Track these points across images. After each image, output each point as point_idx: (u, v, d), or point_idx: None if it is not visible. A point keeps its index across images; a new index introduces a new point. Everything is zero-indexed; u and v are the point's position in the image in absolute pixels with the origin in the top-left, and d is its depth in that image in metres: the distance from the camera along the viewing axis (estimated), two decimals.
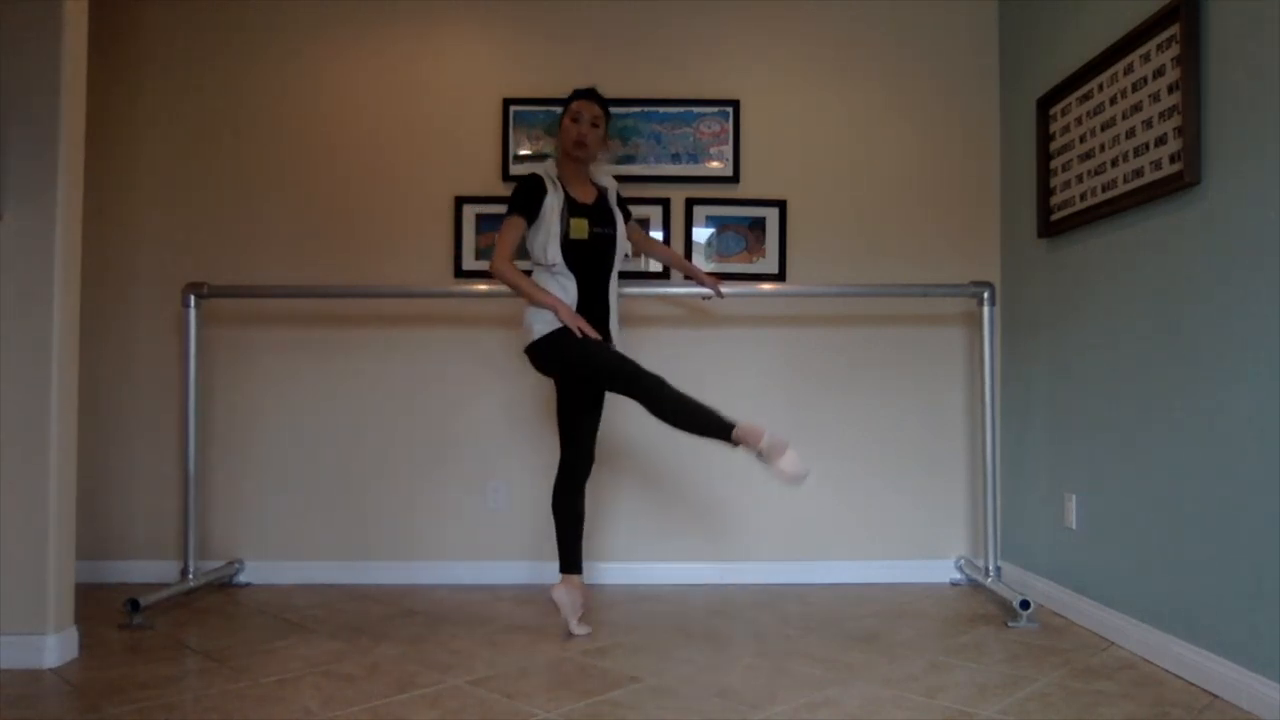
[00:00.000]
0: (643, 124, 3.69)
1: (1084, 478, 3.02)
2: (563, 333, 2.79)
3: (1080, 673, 2.52)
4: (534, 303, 2.81)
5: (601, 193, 3.00)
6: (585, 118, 2.90)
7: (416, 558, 3.64)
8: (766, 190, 3.72)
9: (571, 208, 2.87)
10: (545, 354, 2.84)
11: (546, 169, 2.92)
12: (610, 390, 2.81)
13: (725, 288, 3.24)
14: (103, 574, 3.58)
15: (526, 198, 2.85)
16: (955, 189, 3.73)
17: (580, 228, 2.85)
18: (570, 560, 2.90)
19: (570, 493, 2.92)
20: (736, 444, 2.67)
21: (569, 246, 2.83)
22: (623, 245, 2.98)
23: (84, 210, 2.76)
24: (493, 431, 3.67)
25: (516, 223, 2.85)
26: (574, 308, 2.82)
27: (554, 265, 2.81)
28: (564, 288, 2.83)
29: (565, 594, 2.85)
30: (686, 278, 3.31)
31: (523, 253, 2.94)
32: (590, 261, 2.88)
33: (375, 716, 2.16)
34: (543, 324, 2.81)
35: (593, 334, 2.79)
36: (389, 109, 3.71)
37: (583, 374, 2.84)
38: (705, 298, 3.30)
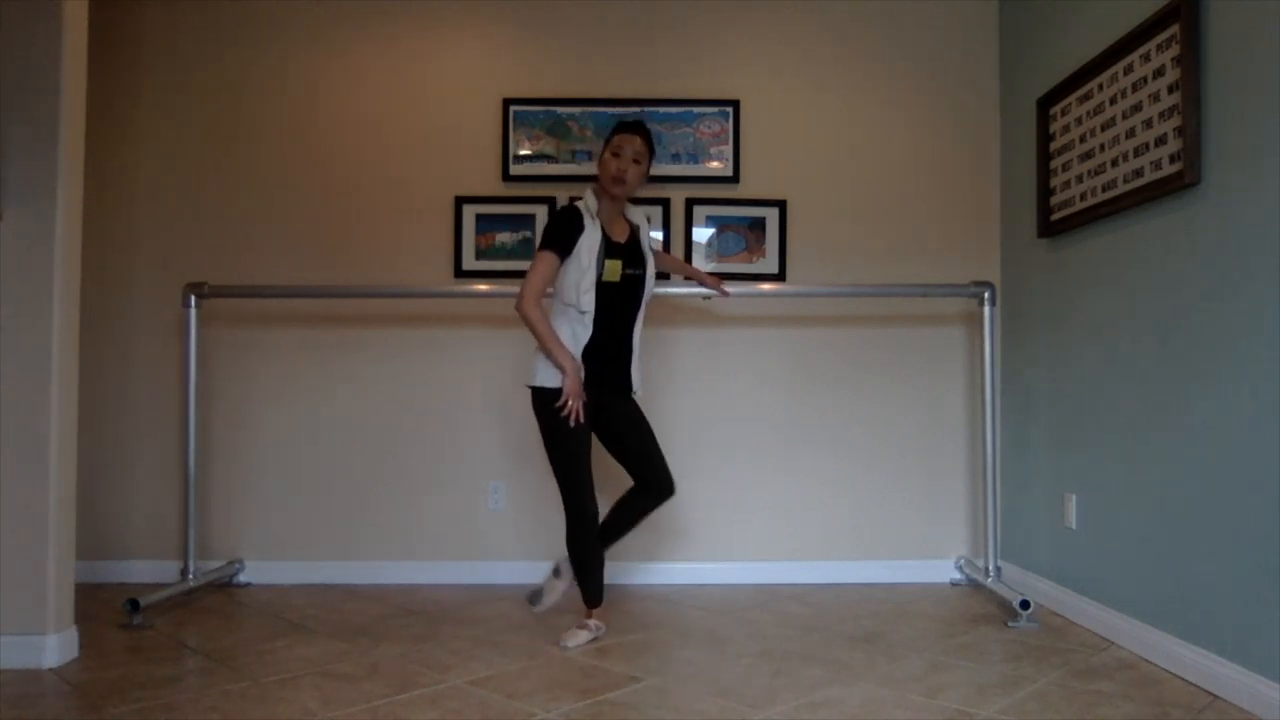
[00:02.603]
0: None
1: (1084, 478, 3.02)
2: (557, 395, 2.71)
3: (1080, 673, 2.52)
4: (550, 357, 2.70)
5: (634, 230, 2.91)
6: (627, 153, 2.78)
7: (417, 558, 3.64)
8: (766, 190, 3.72)
9: (608, 248, 2.76)
10: (539, 401, 2.76)
11: (586, 203, 2.80)
12: (556, 480, 2.80)
13: (725, 288, 3.24)
14: (103, 574, 3.58)
15: (564, 234, 2.73)
16: (955, 189, 3.73)
17: (614, 270, 2.75)
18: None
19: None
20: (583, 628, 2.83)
21: (599, 289, 2.73)
22: (651, 286, 2.90)
23: (84, 210, 2.76)
24: (493, 431, 3.67)
25: (550, 260, 2.72)
26: (583, 351, 2.73)
27: (587, 311, 2.71)
28: (575, 334, 2.73)
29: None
30: (686, 278, 3.30)
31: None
32: (617, 304, 2.80)
33: (375, 716, 2.16)
34: (547, 375, 2.73)
35: (578, 417, 2.70)
36: (389, 109, 3.71)
37: (546, 442, 2.77)
38: (706, 297, 3.28)
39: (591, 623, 2.83)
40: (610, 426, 2.87)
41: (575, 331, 2.74)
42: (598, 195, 2.83)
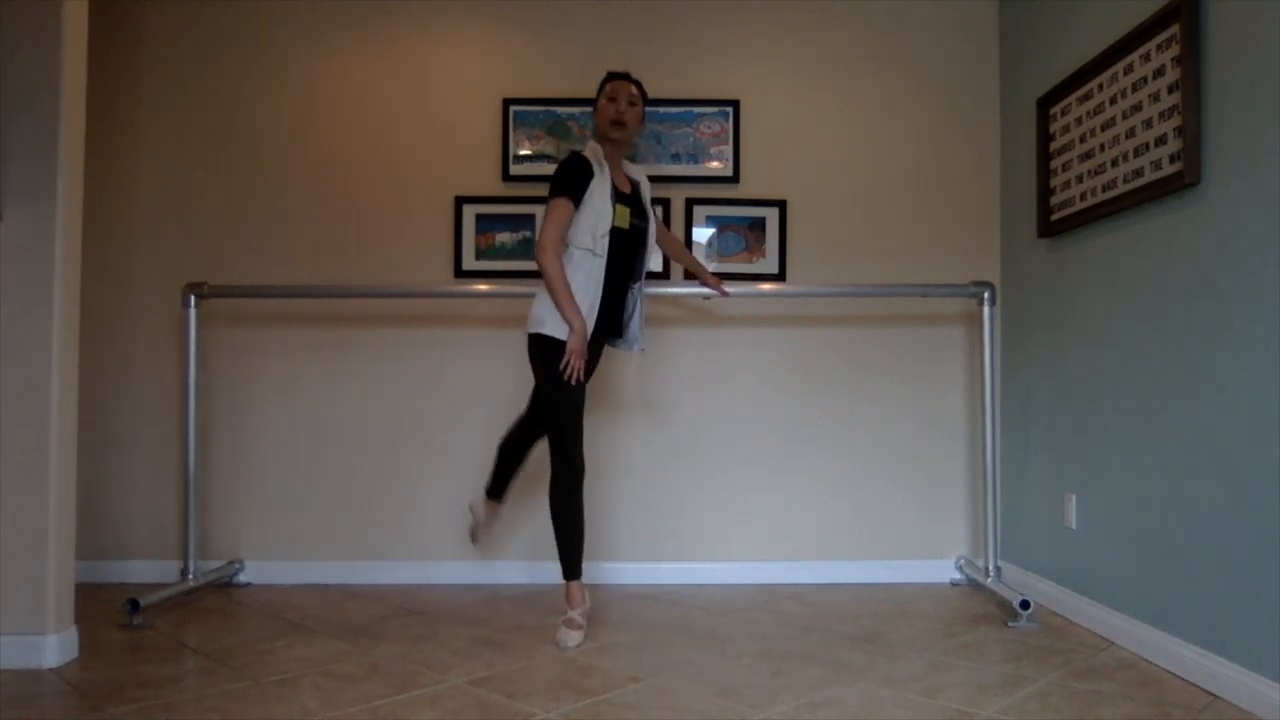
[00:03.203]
0: None
1: (1084, 478, 3.02)
2: (563, 348, 2.74)
3: (1080, 673, 2.52)
4: (560, 309, 2.71)
5: (635, 186, 2.94)
6: (622, 96, 2.83)
7: (416, 558, 3.64)
8: (766, 190, 3.72)
9: (616, 193, 2.79)
10: (540, 352, 2.78)
11: (593, 149, 2.83)
12: (546, 430, 2.82)
13: (725, 288, 3.23)
14: (103, 574, 3.58)
15: (576, 178, 2.75)
16: (955, 189, 3.73)
17: (623, 215, 2.77)
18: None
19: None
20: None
21: (610, 234, 2.75)
22: (654, 240, 2.93)
23: (84, 210, 2.76)
24: (493, 432, 3.65)
25: (565, 206, 2.73)
26: (596, 302, 2.75)
27: (601, 255, 2.72)
28: (590, 277, 2.73)
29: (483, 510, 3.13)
30: (687, 275, 3.30)
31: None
32: (623, 254, 2.82)
33: (375, 716, 2.16)
34: (556, 326, 2.74)
35: (578, 376, 2.73)
36: (389, 109, 3.71)
37: (544, 391, 2.79)
38: (706, 297, 3.28)
39: (576, 613, 2.80)
40: None
41: (590, 274, 2.75)
42: (599, 144, 2.88)
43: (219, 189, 3.70)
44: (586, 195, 2.74)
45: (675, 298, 3.63)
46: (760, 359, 3.70)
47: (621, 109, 2.83)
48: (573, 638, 2.75)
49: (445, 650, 2.70)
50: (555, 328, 2.75)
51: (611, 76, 2.91)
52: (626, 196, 2.86)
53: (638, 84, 2.91)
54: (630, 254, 2.87)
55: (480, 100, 3.71)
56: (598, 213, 2.73)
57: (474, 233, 3.67)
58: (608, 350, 3.12)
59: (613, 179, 2.82)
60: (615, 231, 2.77)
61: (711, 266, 3.64)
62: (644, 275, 2.96)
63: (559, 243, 2.74)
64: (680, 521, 3.67)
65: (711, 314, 3.70)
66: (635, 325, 2.96)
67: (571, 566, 2.85)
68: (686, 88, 3.71)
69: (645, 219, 2.91)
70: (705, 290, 3.23)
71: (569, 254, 2.76)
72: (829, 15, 3.74)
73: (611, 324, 2.91)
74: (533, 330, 2.80)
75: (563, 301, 2.71)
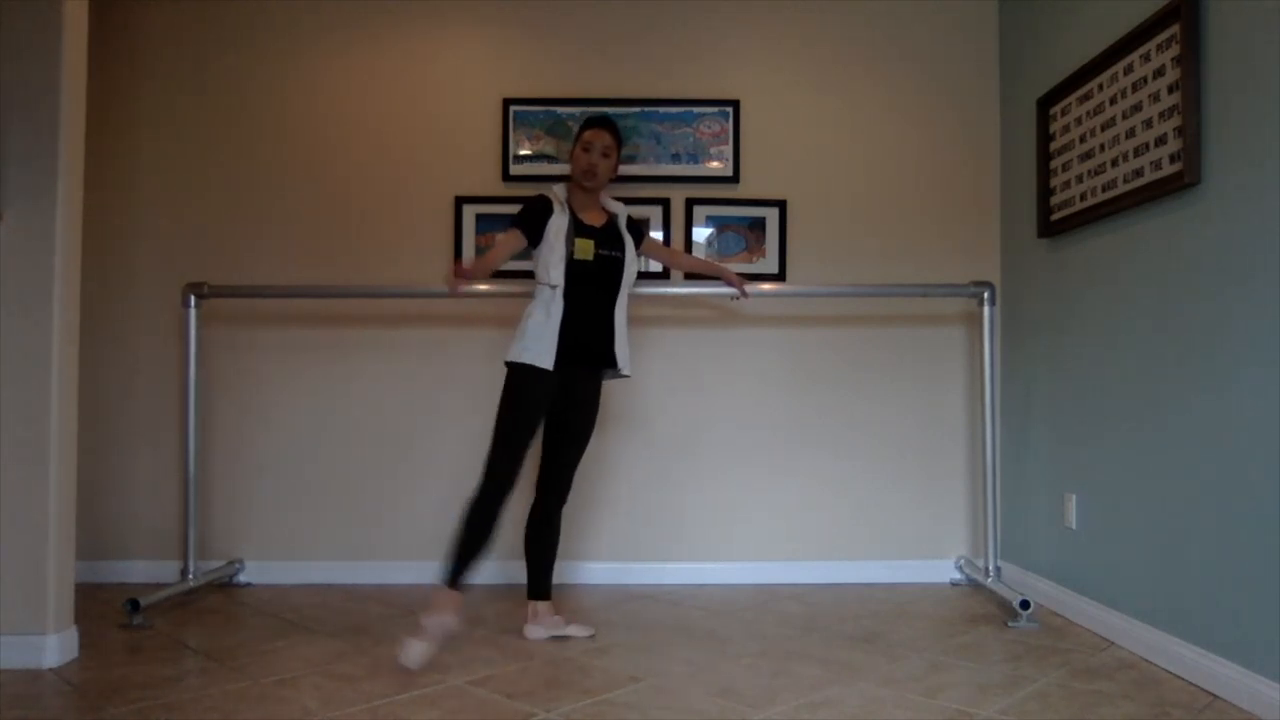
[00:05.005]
0: (643, 124, 3.69)
1: (1084, 478, 3.02)
2: (518, 371, 2.78)
3: (1080, 673, 2.52)
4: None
5: (612, 218, 2.98)
6: (596, 147, 2.88)
7: (416, 558, 3.63)
8: (766, 190, 3.72)
9: (578, 229, 2.85)
10: (508, 371, 2.82)
11: (556, 191, 2.91)
12: (493, 434, 2.81)
13: (727, 288, 3.22)
14: (103, 574, 3.58)
15: (529, 216, 2.86)
16: (955, 189, 3.73)
17: (585, 248, 2.83)
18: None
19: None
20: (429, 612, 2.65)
21: (573, 267, 2.81)
22: (632, 269, 2.94)
23: (84, 210, 2.76)
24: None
25: (511, 235, 2.85)
26: (557, 330, 2.77)
27: (557, 286, 2.78)
28: (549, 311, 2.78)
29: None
30: (692, 277, 3.31)
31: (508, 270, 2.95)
32: (595, 283, 2.85)
33: (375, 716, 2.16)
34: (516, 349, 2.80)
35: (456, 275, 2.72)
36: (389, 109, 3.71)
37: (502, 404, 2.81)
38: (734, 298, 3.26)
39: (430, 620, 2.61)
40: (563, 400, 2.87)
41: (549, 309, 2.79)
42: (570, 188, 2.94)
43: (219, 189, 3.70)
44: (544, 233, 2.83)
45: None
46: (760, 359, 3.70)
47: (594, 160, 2.88)
48: (413, 649, 2.52)
49: (445, 650, 2.70)
50: (516, 352, 2.80)
51: (590, 123, 2.95)
52: (594, 230, 2.89)
53: (614, 130, 2.94)
54: (604, 284, 2.89)
55: (480, 100, 3.71)
56: (552, 248, 2.81)
57: (474, 233, 3.67)
58: None
59: (578, 217, 2.88)
60: (578, 264, 2.82)
61: None
62: (626, 301, 2.93)
63: (494, 259, 2.79)
64: (680, 522, 3.67)
65: (710, 315, 3.70)
66: (620, 351, 2.93)
67: (450, 573, 2.70)
68: (686, 88, 3.71)
69: (619, 249, 2.93)
70: (729, 290, 3.21)
71: (536, 292, 2.84)
72: (829, 15, 3.74)
73: (600, 354, 2.90)
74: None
75: (487, 259, 2.79)
